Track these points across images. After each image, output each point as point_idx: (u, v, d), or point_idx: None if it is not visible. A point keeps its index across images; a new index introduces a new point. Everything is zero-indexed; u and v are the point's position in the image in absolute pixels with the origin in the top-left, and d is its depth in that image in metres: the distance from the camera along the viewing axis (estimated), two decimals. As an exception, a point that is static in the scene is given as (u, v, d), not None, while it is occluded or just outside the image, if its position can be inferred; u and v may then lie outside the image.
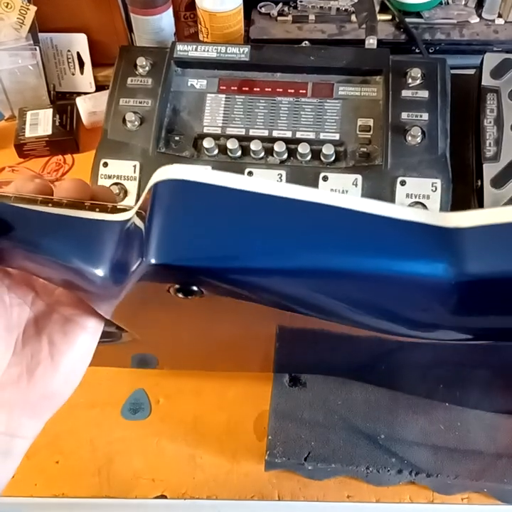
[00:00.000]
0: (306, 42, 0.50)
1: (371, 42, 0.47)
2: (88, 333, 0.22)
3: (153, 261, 0.17)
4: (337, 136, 0.43)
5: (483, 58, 0.44)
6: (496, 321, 0.20)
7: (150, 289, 0.19)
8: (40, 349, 0.21)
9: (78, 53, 0.52)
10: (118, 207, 0.21)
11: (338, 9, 0.52)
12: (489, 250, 0.17)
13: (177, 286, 0.19)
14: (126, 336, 0.29)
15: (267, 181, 0.18)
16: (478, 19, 0.52)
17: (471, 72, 0.47)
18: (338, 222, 0.18)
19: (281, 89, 0.45)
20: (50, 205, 0.20)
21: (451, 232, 0.18)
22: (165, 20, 0.50)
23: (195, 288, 0.19)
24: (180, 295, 0.19)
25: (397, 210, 0.18)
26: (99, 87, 0.52)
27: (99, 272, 0.19)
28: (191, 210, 0.18)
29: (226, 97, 0.45)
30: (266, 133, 0.44)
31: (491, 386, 0.33)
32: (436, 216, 0.18)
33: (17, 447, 0.22)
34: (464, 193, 0.43)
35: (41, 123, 0.49)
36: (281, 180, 0.42)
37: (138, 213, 0.19)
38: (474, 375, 0.32)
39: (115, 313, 0.22)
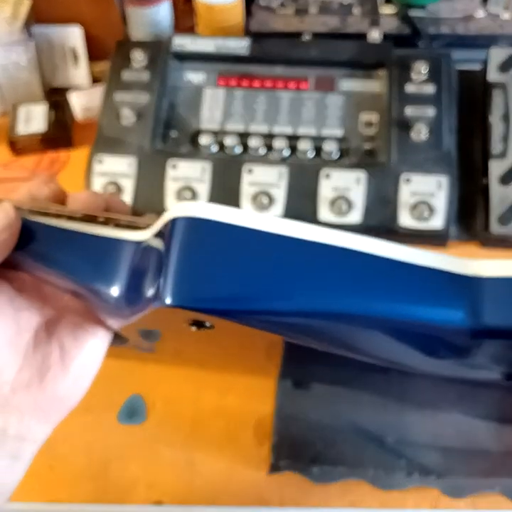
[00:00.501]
0: (308, 35, 0.48)
1: (374, 35, 0.46)
2: (98, 338, 0.23)
3: (169, 302, 0.18)
4: (339, 132, 0.42)
5: (489, 53, 0.43)
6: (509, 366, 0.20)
7: (163, 315, 0.19)
8: (50, 353, 0.22)
9: (73, 47, 0.51)
10: (131, 222, 0.21)
11: (340, 2, 0.51)
12: (507, 303, 0.18)
13: (191, 320, 0.19)
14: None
15: (289, 222, 0.18)
16: (483, 13, 0.50)
17: (477, 66, 0.46)
18: (358, 267, 0.18)
19: (281, 84, 0.44)
20: (63, 218, 0.20)
21: (470, 280, 0.18)
22: (162, 12, 0.48)
23: (208, 323, 0.19)
24: (193, 328, 0.19)
25: (417, 254, 0.18)
26: (95, 82, 0.51)
27: (112, 292, 0.19)
28: (209, 252, 0.18)
29: (225, 92, 0.44)
30: (266, 129, 0.43)
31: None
32: (456, 262, 0.19)
33: (26, 451, 0.22)
34: (470, 190, 0.42)
35: (35, 119, 0.48)
36: (281, 177, 0.41)
37: (154, 234, 0.19)
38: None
39: (125, 328, 0.22)
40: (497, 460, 0.34)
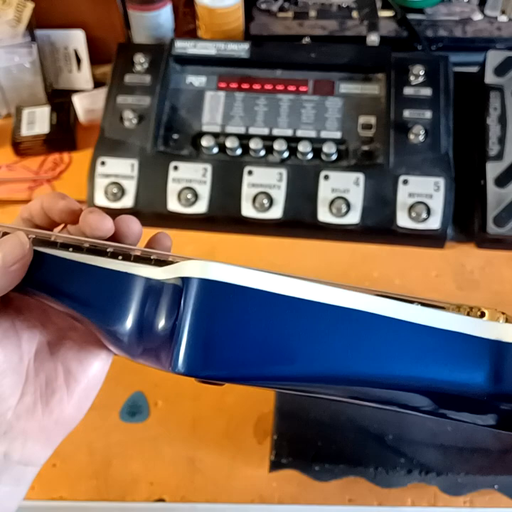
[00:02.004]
0: (307, 38, 0.49)
1: (373, 39, 0.46)
2: (102, 360, 0.22)
3: (181, 371, 0.17)
4: (338, 135, 0.43)
5: (486, 56, 0.44)
6: None
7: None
8: (55, 377, 0.21)
9: (75, 50, 0.52)
10: (141, 255, 0.20)
11: (339, 5, 0.52)
12: None
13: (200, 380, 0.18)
14: None
15: (310, 284, 0.18)
16: (481, 16, 0.51)
17: (474, 69, 0.46)
18: (379, 331, 0.18)
19: (281, 87, 0.44)
20: (70, 249, 0.19)
21: (492, 344, 0.18)
22: (163, 16, 0.49)
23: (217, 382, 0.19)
24: (201, 382, 0.19)
25: (439, 317, 0.18)
26: (97, 85, 0.51)
27: (121, 330, 0.19)
28: (222, 319, 0.17)
29: (225, 95, 0.45)
30: (266, 131, 0.43)
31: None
32: (479, 325, 0.19)
33: (28, 475, 0.21)
34: (466, 192, 0.42)
35: (38, 121, 0.49)
36: (281, 179, 0.42)
37: (168, 277, 0.18)
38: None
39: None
40: (495, 458, 0.35)
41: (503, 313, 0.19)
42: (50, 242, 0.20)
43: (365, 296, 0.18)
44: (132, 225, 0.22)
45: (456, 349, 0.18)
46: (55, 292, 0.19)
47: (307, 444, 0.35)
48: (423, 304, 0.19)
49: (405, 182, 0.41)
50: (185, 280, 0.18)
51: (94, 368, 0.22)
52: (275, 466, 0.35)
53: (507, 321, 0.19)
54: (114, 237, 0.21)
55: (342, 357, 0.17)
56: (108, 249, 0.19)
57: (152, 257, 0.19)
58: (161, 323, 0.18)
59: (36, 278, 0.19)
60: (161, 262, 0.19)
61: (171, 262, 0.19)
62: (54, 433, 0.22)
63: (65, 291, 0.19)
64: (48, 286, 0.19)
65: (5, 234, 0.19)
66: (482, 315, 0.20)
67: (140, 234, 0.23)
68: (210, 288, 0.17)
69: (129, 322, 0.18)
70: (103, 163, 0.43)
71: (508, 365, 0.18)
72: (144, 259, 0.20)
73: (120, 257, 0.19)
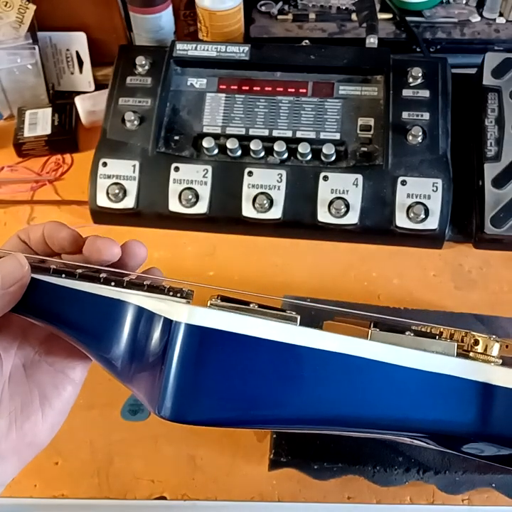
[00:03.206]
0: (307, 41, 0.49)
1: (372, 41, 0.47)
2: (75, 384, 0.23)
3: (167, 417, 0.17)
4: (337, 136, 0.43)
5: (484, 57, 0.44)
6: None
7: None
8: (31, 401, 0.21)
9: (77, 52, 0.52)
10: (132, 280, 0.20)
11: (338, 8, 0.52)
12: None
13: None
14: None
15: (309, 331, 0.17)
16: (479, 18, 0.51)
17: (472, 71, 0.46)
18: (366, 374, 0.18)
19: (281, 89, 0.45)
20: (63, 275, 0.20)
21: (480, 386, 0.18)
22: (164, 18, 0.49)
23: None
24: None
25: (428, 359, 0.18)
26: (99, 86, 0.52)
27: (113, 355, 0.19)
28: (210, 365, 0.17)
29: (226, 97, 0.45)
30: (266, 132, 0.44)
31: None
32: (468, 367, 0.19)
33: None
34: (464, 192, 0.43)
35: (40, 122, 0.49)
36: (281, 180, 0.42)
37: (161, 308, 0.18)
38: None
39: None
40: None
41: (497, 341, 0.19)
42: (42, 268, 0.20)
43: (351, 339, 0.18)
44: (139, 250, 0.22)
45: (445, 391, 0.18)
46: (47, 317, 0.19)
47: (306, 442, 0.35)
48: (416, 333, 0.19)
49: (404, 183, 0.41)
50: (173, 323, 0.18)
51: (68, 393, 0.22)
52: (274, 464, 0.35)
53: (501, 347, 0.19)
54: (120, 261, 0.21)
55: (329, 401, 0.18)
56: (101, 276, 0.20)
57: (145, 283, 0.20)
58: (150, 353, 0.18)
59: (29, 302, 0.19)
60: (153, 288, 0.19)
61: (164, 288, 0.19)
62: (25, 454, 0.22)
63: (57, 317, 0.19)
64: (40, 310, 0.19)
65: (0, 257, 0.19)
66: (476, 343, 0.20)
67: (145, 258, 0.23)
68: (196, 334, 0.17)
69: (120, 348, 0.19)
70: (105, 164, 0.43)
71: (496, 407, 0.18)
72: (136, 285, 0.20)
73: (112, 283, 0.19)
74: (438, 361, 0.18)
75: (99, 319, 0.19)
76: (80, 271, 0.20)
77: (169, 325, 0.18)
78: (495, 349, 0.19)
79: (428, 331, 0.23)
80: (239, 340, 0.17)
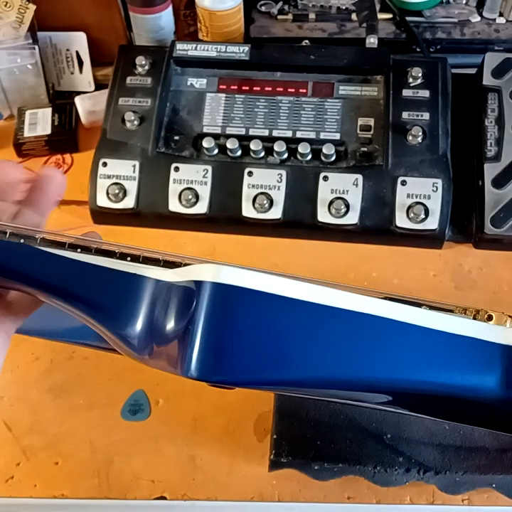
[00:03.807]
0: (307, 41, 0.49)
1: (372, 41, 0.47)
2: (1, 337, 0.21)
3: (194, 375, 0.17)
4: (337, 136, 0.43)
5: (484, 57, 0.44)
6: None
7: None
8: None
9: (77, 52, 0.52)
10: (147, 256, 0.19)
11: (338, 8, 0.52)
12: None
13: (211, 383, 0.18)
14: None
15: (317, 287, 0.17)
16: (479, 18, 0.51)
17: (472, 71, 0.46)
18: (391, 335, 0.18)
19: (281, 89, 0.45)
20: (78, 250, 0.19)
21: (504, 349, 0.18)
22: (164, 18, 0.49)
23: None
24: (212, 386, 0.19)
25: (452, 322, 0.18)
26: (99, 86, 0.52)
27: (131, 333, 0.18)
28: (235, 323, 0.17)
29: (226, 97, 0.45)
30: (266, 132, 0.44)
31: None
32: (491, 330, 0.19)
33: None
34: (464, 192, 0.43)
35: (40, 122, 0.49)
36: (281, 180, 0.42)
37: (178, 280, 0.18)
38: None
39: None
40: (493, 457, 0.35)
41: (510, 317, 0.19)
42: (57, 243, 0.19)
43: (379, 300, 0.18)
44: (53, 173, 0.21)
45: (469, 354, 0.18)
46: (64, 294, 0.19)
47: (306, 443, 0.35)
48: (431, 308, 0.19)
49: (404, 183, 0.41)
50: (198, 284, 0.17)
51: None
52: (275, 465, 0.35)
53: None
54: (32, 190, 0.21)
55: (356, 362, 0.17)
56: (116, 250, 0.19)
57: (161, 258, 0.19)
58: (171, 326, 0.18)
59: (45, 280, 0.19)
60: (169, 264, 0.19)
61: (180, 264, 0.19)
62: None
63: (74, 294, 0.19)
64: (56, 288, 0.19)
65: (11, 234, 0.19)
66: (489, 318, 0.19)
67: (61, 183, 0.22)
68: (223, 292, 0.17)
69: (139, 324, 0.18)
70: (105, 164, 0.43)
71: None
72: (152, 260, 0.19)
73: (128, 258, 0.19)
74: (462, 323, 0.18)
75: (116, 295, 0.18)
76: (95, 246, 0.19)
77: (191, 295, 0.17)
78: (508, 324, 0.19)
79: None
80: (265, 298, 0.17)
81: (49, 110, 0.50)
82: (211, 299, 0.17)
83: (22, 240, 0.19)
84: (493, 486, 0.35)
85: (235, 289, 0.17)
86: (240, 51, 0.45)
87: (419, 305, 0.19)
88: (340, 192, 0.41)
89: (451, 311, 0.20)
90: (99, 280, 0.19)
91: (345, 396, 0.19)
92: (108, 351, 0.21)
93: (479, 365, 0.18)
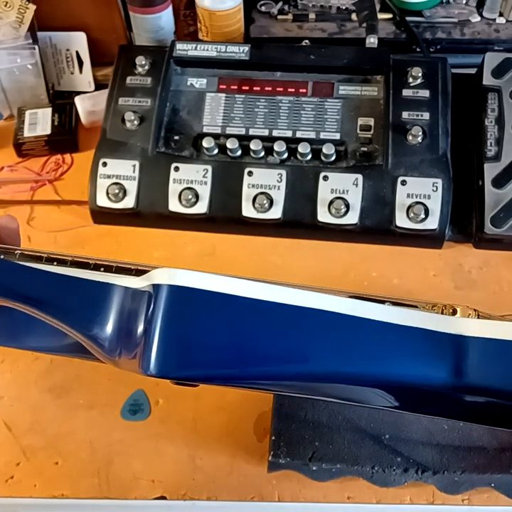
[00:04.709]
0: (307, 41, 0.49)
1: (372, 41, 0.47)
2: None
3: (153, 372, 0.18)
4: (337, 136, 0.43)
5: (484, 57, 0.44)
6: (487, 414, 0.20)
7: None
8: None
9: (77, 52, 0.52)
10: (120, 266, 0.21)
11: (338, 8, 0.52)
12: (490, 364, 0.18)
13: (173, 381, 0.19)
14: None
15: (270, 286, 0.18)
16: (479, 18, 0.51)
17: (472, 71, 0.46)
18: (340, 329, 0.18)
19: (281, 89, 0.45)
20: (55, 263, 0.21)
21: (454, 338, 0.19)
22: (164, 18, 0.49)
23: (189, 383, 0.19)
24: (175, 384, 0.19)
25: (401, 314, 0.18)
26: (99, 86, 0.52)
27: (104, 335, 0.20)
28: (189, 322, 0.18)
29: (226, 97, 0.45)
30: (266, 132, 0.44)
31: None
32: (441, 321, 0.19)
33: None
34: (464, 192, 0.43)
35: (40, 122, 0.49)
36: (281, 180, 0.42)
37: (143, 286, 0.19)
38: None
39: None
40: (491, 456, 0.35)
41: (475, 310, 0.20)
42: (36, 257, 0.21)
43: (330, 297, 0.18)
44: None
45: (419, 344, 0.18)
46: (41, 305, 0.20)
47: (305, 444, 0.35)
48: (394, 303, 0.20)
49: (404, 183, 0.41)
50: (155, 287, 0.19)
51: None
52: (273, 466, 0.35)
53: (478, 317, 0.20)
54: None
55: (309, 355, 0.18)
56: (90, 262, 0.21)
57: (133, 268, 0.21)
58: (136, 328, 0.19)
59: (23, 292, 0.20)
60: (141, 273, 0.20)
61: (133, 269, 0.21)
62: None
63: (50, 303, 0.20)
64: (34, 299, 0.20)
65: None
66: (454, 312, 0.20)
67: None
68: (176, 293, 0.18)
69: (109, 328, 0.19)
70: (105, 164, 0.43)
71: (469, 358, 0.18)
72: (125, 270, 0.21)
73: (102, 269, 0.21)
74: (412, 315, 0.19)
75: (90, 302, 0.20)
76: (70, 259, 0.21)
77: (152, 293, 0.19)
78: (471, 317, 0.20)
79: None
80: (215, 298, 0.18)
81: (49, 110, 0.50)
82: (166, 300, 0.18)
83: (2, 256, 0.21)
84: (492, 485, 0.35)
85: (187, 290, 0.18)
86: (240, 51, 0.45)
87: (382, 302, 0.20)
88: (340, 192, 0.41)
89: (415, 306, 0.20)
90: (73, 289, 0.20)
91: (303, 388, 0.19)
92: (83, 358, 0.22)
93: (430, 354, 0.18)
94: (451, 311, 0.20)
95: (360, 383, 0.18)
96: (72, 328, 0.20)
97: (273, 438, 0.35)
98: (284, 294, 0.18)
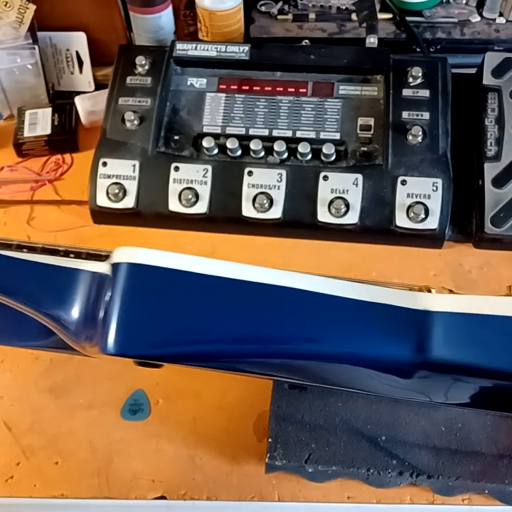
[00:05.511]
0: (307, 41, 0.49)
1: (372, 41, 0.47)
2: None
3: (111, 351, 0.18)
4: (337, 136, 0.43)
5: (484, 57, 0.44)
6: (455, 394, 0.20)
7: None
8: None
9: (77, 52, 0.52)
10: (91, 253, 0.21)
11: (338, 8, 0.52)
12: (455, 339, 0.18)
13: (136, 361, 0.19)
14: None
15: (228, 263, 0.18)
16: (479, 18, 0.51)
17: (472, 71, 0.46)
18: (303, 305, 0.18)
19: (281, 89, 0.45)
20: (24, 250, 0.21)
21: (419, 314, 0.18)
22: (164, 18, 0.49)
23: (152, 362, 0.19)
24: (139, 366, 0.19)
25: (366, 290, 0.18)
26: (99, 86, 0.52)
27: (70, 319, 0.20)
28: (148, 299, 0.18)
29: (226, 96, 0.45)
30: (266, 132, 0.44)
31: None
32: (406, 297, 0.19)
33: None
34: (464, 192, 0.43)
35: (40, 122, 0.49)
36: (281, 179, 0.42)
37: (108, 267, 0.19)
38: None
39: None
40: (488, 463, 0.34)
41: (451, 291, 0.20)
42: (5, 245, 0.21)
43: (294, 273, 0.18)
44: None
45: (383, 320, 0.18)
46: (9, 291, 0.20)
47: (301, 446, 0.35)
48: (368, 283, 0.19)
49: (404, 182, 0.41)
50: (115, 266, 0.19)
51: None
52: (270, 468, 0.35)
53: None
54: None
55: (271, 332, 0.18)
56: (60, 249, 0.21)
57: (103, 254, 0.21)
58: (99, 310, 0.19)
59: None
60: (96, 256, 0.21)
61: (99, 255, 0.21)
62: None
63: (19, 290, 0.20)
64: (2, 286, 0.20)
65: None
66: (429, 291, 0.20)
67: None
68: (135, 271, 0.18)
69: (75, 312, 0.20)
70: (105, 164, 0.43)
71: (434, 333, 0.18)
72: (95, 256, 0.21)
73: (72, 255, 0.21)
74: (376, 291, 0.18)
75: (59, 287, 0.20)
76: (40, 246, 0.21)
77: (112, 273, 0.19)
78: None
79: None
80: (173, 275, 0.18)
81: (49, 110, 0.50)
82: (125, 278, 0.18)
83: None
84: (486, 492, 0.34)
85: (146, 267, 0.18)
86: (240, 51, 0.45)
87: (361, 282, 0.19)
88: (340, 192, 0.41)
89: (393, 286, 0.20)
90: (41, 275, 0.20)
91: (266, 366, 0.19)
92: (56, 350, 0.22)
93: (394, 330, 0.18)
94: (425, 291, 0.20)
95: (322, 359, 0.18)
96: (39, 312, 0.20)
97: (270, 440, 0.35)
98: (245, 271, 0.18)
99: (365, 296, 0.18)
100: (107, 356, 0.19)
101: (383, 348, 0.18)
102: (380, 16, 0.50)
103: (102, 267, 0.20)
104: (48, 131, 0.49)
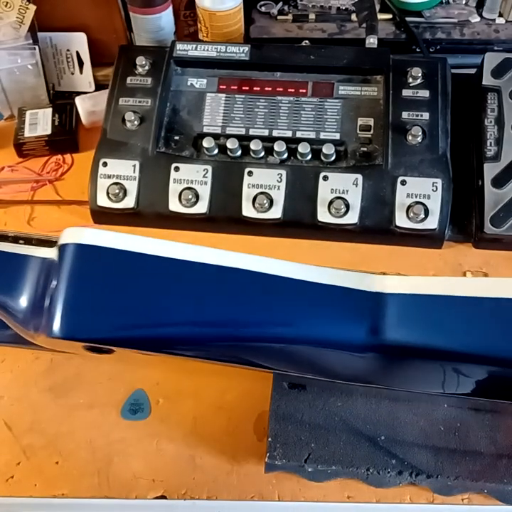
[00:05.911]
0: (307, 41, 0.49)
1: (372, 41, 0.47)
2: None
3: (57, 334, 0.17)
4: (337, 136, 0.43)
5: (483, 58, 0.44)
6: (411, 378, 0.19)
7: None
8: None
9: (77, 53, 0.52)
10: (42, 239, 0.21)
11: (338, 8, 0.52)
12: (408, 320, 0.17)
13: (85, 346, 0.18)
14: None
15: (179, 244, 0.18)
16: (478, 18, 0.51)
17: (472, 71, 0.47)
18: (254, 287, 0.17)
19: (281, 89, 0.45)
20: None
21: (373, 296, 0.18)
22: (164, 19, 0.50)
23: (102, 347, 0.18)
24: (89, 352, 0.19)
25: (318, 272, 0.18)
26: (99, 87, 0.52)
27: (19, 305, 0.19)
28: (94, 281, 0.17)
29: (226, 97, 0.45)
30: (266, 132, 0.44)
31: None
32: (360, 279, 0.18)
33: None
34: (464, 192, 0.43)
35: (40, 122, 0.49)
36: (281, 180, 0.42)
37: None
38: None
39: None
40: (487, 463, 0.34)
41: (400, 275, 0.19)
42: None
43: (244, 255, 0.18)
44: None
45: (336, 302, 0.18)
46: None
47: (301, 446, 0.35)
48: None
49: (403, 182, 0.41)
50: (62, 247, 0.18)
51: None
52: (269, 468, 0.35)
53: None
54: None
55: (221, 315, 0.17)
56: (9, 235, 0.21)
57: (55, 240, 0.20)
58: (48, 296, 0.19)
59: None
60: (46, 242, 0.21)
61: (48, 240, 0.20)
62: None
63: None
64: None
65: None
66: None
67: None
68: (81, 252, 0.18)
69: (23, 299, 0.19)
70: (105, 164, 0.43)
71: (388, 315, 0.18)
72: (47, 242, 0.21)
73: (21, 242, 0.21)
74: (329, 273, 0.18)
75: (8, 274, 0.19)
76: None
77: (58, 255, 0.18)
78: None
79: None
80: (121, 256, 0.17)
81: (49, 110, 0.50)
82: (72, 259, 0.18)
83: None
84: (485, 491, 0.34)
85: (92, 248, 0.18)
86: (240, 51, 0.45)
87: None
88: (340, 192, 0.41)
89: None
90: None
91: (217, 350, 0.18)
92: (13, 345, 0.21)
93: (347, 312, 0.18)
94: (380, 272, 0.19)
95: (277, 341, 0.18)
96: None
97: (269, 439, 0.35)
98: (196, 252, 0.17)
99: (319, 279, 0.18)
100: (58, 341, 0.18)
101: (338, 330, 0.18)
102: (380, 16, 0.50)
103: (52, 253, 0.19)
104: (49, 132, 0.49)
